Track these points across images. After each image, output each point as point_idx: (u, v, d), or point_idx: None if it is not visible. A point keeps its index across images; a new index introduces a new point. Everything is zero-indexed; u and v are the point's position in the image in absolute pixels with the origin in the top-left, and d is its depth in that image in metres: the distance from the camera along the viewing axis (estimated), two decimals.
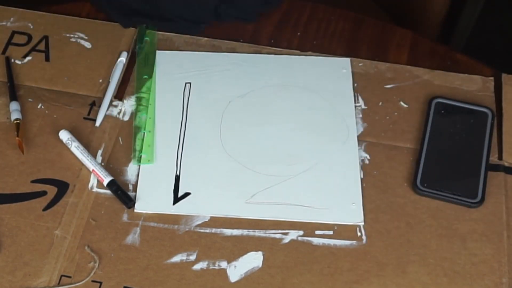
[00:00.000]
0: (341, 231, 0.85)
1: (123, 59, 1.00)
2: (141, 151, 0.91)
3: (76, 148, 0.90)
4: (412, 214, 0.87)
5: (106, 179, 0.87)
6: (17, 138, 0.90)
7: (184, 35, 1.04)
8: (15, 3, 1.07)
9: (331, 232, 0.85)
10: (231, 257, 0.83)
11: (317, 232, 0.85)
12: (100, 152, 0.91)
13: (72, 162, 0.90)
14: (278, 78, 1.00)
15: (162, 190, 0.88)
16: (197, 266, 0.82)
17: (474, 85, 1.00)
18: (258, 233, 0.85)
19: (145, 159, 0.90)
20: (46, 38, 1.03)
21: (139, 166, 0.90)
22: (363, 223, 0.86)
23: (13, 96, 0.95)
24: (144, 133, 0.93)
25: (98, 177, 0.88)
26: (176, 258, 0.83)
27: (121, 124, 0.95)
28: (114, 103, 0.97)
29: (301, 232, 0.85)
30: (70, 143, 0.90)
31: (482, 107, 0.96)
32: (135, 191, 0.88)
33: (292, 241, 0.85)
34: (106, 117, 0.95)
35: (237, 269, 0.82)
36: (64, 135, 0.91)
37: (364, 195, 0.88)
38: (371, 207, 0.88)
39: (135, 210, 0.86)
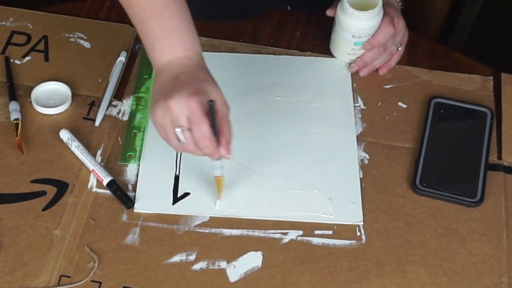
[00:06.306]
0: (340, 231, 0.85)
1: (122, 58, 1.00)
2: (135, 150, 0.91)
3: (76, 148, 0.90)
4: (412, 214, 0.87)
5: (106, 179, 0.87)
6: (16, 138, 0.90)
7: None
8: (14, 3, 1.07)
9: (330, 232, 0.85)
10: (231, 257, 0.83)
11: (317, 232, 0.85)
12: (99, 152, 0.91)
13: (71, 162, 0.90)
14: (277, 78, 1.00)
15: (162, 190, 0.88)
16: (197, 266, 0.82)
17: (474, 85, 1.00)
18: (257, 233, 0.85)
19: (132, 158, 0.90)
20: (45, 38, 1.03)
21: (139, 166, 0.90)
22: (362, 223, 0.86)
23: (13, 96, 0.95)
24: (135, 132, 0.93)
25: (97, 177, 0.88)
26: (176, 258, 0.83)
27: (120, 124, 0.94)
28: (114, 103, 0.96)
29: (300, 232, 0.85)
30: (70, 142, 0.90)
31: (482, 107, 0.96)
32: (135, 191, 0.88)
33: (291, 241, 0.84)
34: (105, 117, 0.95)
35: (236, 269, 0.82)
36: (64, 135, 0.91)
37: (364, 195, 0.88)
38: (370, 207, 0.88)
39: (134, 210, 0.86)
